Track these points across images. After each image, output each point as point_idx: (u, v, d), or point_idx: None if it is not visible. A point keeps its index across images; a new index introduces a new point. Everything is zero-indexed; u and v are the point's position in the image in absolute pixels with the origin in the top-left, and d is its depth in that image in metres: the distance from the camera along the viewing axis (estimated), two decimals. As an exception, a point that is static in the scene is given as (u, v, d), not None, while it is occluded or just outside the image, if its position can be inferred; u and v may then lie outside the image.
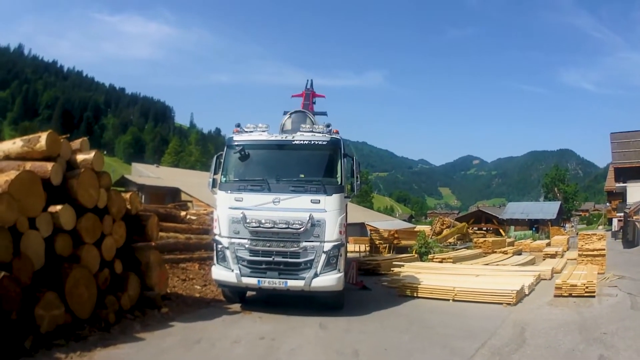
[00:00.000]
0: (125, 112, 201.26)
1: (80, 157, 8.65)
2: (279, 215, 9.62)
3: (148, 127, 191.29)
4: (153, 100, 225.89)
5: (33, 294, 6.72)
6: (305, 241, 9.60)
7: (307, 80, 15.93)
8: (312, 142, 10.24)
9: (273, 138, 10.53)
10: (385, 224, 41.29)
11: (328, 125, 10.65)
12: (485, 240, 30.18)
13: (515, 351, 7.56)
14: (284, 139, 10.45)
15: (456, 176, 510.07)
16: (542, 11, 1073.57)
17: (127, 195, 9.68)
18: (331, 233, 9.66)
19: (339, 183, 10.07)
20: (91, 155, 8.67)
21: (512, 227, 64.30)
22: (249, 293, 10.88)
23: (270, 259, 9.62)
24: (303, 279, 9.51)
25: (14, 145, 8.37)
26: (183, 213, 17.72)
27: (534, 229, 63.65)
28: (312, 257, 9.57)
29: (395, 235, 28.18)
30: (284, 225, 9.57)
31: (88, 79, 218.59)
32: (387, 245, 26.99)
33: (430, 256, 21.95)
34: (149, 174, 44.09)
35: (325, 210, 9.66)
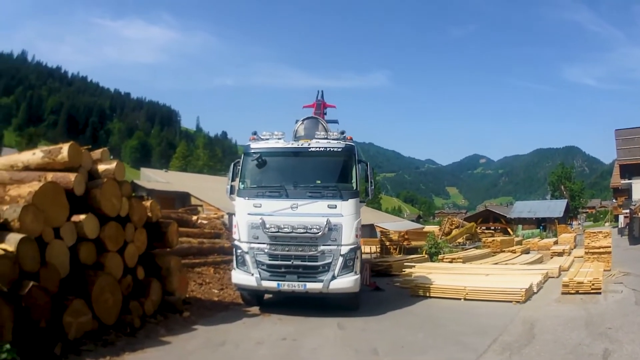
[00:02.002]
0: (130, 116, 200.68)
1: (101, 167, 8.82)
2: (297, 220, 9.81)
3: (154, 131, 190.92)
4: (159, 104, 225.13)
5: (61, 302, 6.87)
6: (323, 245, 9.79)
7: (318, 91, 16.00)
8: (328, 149, 10.42)
9: (289, 145, 10.71)
10: (394, 224, 41.22)
11: (342, 132, 10.87)
12: (493, 240, 30.44)
13: (525, 346, 7.80)
14: (300, 146, 10.62)
15: (463, 175, 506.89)
16: (542, 7, 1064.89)
17: (148, 203, 9.83)
18: (348, 237, 9.85)
19: (354, 188, 10.28)
20: (113, 165, 8.86)
21: (520, 226, 64.27)
22: (265, 296, 11.07)
23: (290, 262, 9.82)
24: (321, 281, 9.71)
25: (34, 156, 8.51)
26: (194, 217, 17.79)
27: (541, 227, 63.56)
28: (330, 260, 9.77)
29: (405, 236, 28.08)
30: (302, 230, 9.76)
31: (93, 84, 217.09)
32: (397, 246, 26.96)
33: (440, 256, 22.05)
34: (158, 178, 44.10)
35: (341, 215, 9.86)
